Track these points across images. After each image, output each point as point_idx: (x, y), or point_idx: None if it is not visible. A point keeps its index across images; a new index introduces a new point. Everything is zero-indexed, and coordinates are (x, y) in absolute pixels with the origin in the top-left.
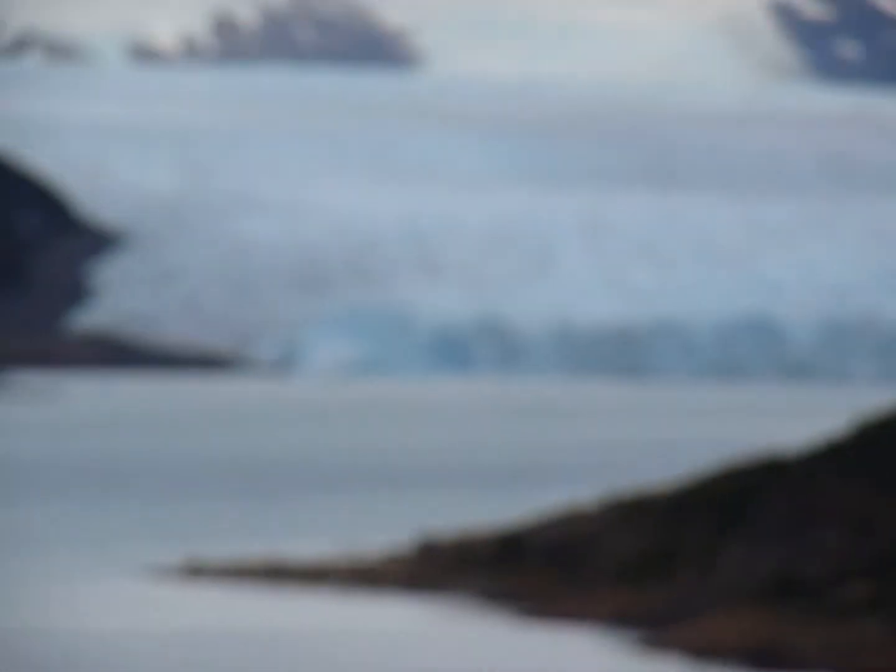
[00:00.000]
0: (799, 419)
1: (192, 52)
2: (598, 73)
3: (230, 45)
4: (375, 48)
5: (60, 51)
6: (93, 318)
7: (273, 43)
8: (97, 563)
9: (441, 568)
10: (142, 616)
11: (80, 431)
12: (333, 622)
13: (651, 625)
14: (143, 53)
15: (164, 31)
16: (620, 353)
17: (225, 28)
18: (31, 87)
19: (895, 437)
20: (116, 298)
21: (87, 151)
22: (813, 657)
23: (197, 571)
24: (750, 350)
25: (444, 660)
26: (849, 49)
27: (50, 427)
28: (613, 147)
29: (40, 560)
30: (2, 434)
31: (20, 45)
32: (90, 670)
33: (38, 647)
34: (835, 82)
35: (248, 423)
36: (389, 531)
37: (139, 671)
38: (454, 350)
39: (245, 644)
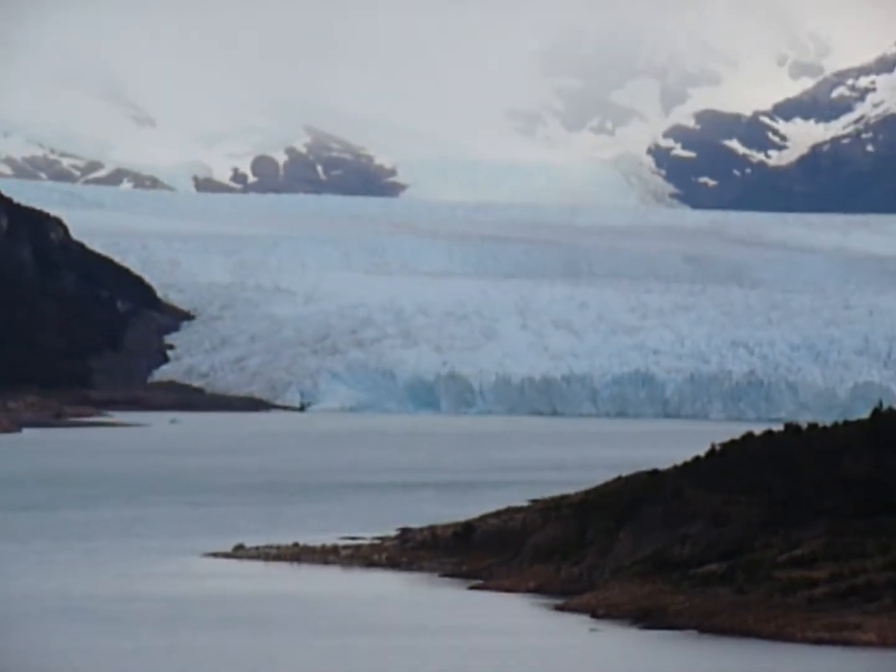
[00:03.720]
0: (671, 446)
1: (240, 183)
2: (527, 197)
3: (267, 177)
4: (371, 180)
5: (145, 181)
6: (169, 372)
7: (297, 176)
8: (167, 547)
9: (414, 551)
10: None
11: (159, 453)
12: (340, 588)
13: (564, 593)
14: (205, 183)
15: (220, 167)
16: (543, 398)
17: (263, 165)
18: (125, 208)
19: (741, 458)
20: (186, 359)
21: (165, 254)
22: (681, 616)
23: (241, 554)
24: (636, 396)
25: (416, 616)
26: (706, 181)
27: (139, 450)
28: (539, 252)
29: (128, 544)
30: (101, 454)
31: (116, 177)
32: (176, 619)
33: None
34: (696, 205)
35: (279, 447)
36: (377, 524)
37: (200, 621)
38: (424, 395)
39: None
